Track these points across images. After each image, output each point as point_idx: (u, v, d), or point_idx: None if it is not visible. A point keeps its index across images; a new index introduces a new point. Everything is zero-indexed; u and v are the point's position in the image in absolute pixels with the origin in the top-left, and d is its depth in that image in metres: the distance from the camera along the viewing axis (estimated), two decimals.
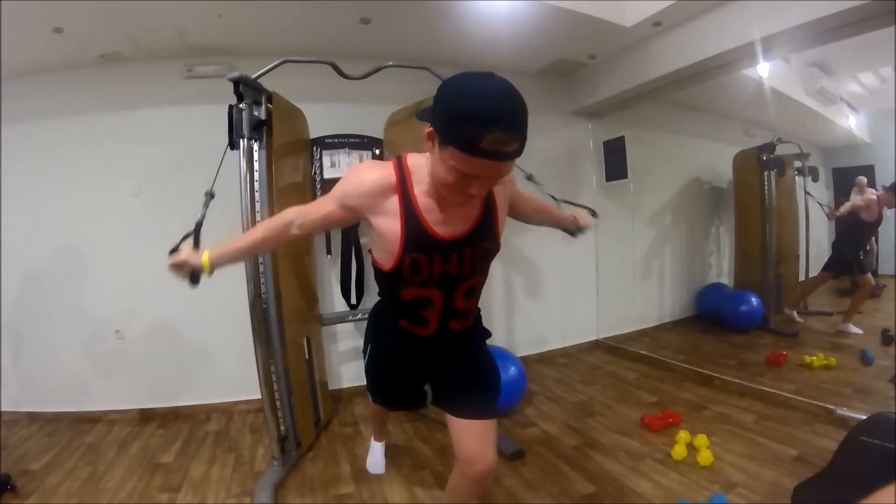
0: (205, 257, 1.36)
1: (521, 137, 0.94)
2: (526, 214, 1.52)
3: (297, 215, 1.28)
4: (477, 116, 0.90)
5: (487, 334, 1.54)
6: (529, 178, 2.36)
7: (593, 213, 1.76)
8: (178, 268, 1.40)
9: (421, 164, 1.17)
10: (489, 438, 1.36)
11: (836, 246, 4.08)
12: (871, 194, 3.75)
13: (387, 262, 1.22)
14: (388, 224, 1.16)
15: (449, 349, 1.41)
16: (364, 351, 1.57)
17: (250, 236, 1.38)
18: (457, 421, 1.37)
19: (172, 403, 3.20)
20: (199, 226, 1.81)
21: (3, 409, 3.09)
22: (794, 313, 4.27)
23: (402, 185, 1.16)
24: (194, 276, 1.42)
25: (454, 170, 0.98)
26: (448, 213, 1.17)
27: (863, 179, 3.84)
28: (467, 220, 1.20)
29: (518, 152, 0.96)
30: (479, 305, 1.47)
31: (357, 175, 1.20)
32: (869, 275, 3.80)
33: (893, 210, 3.64)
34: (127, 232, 3.13)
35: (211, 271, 1.37)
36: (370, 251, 3.22)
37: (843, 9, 2.31)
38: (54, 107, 3.05)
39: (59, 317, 3.13)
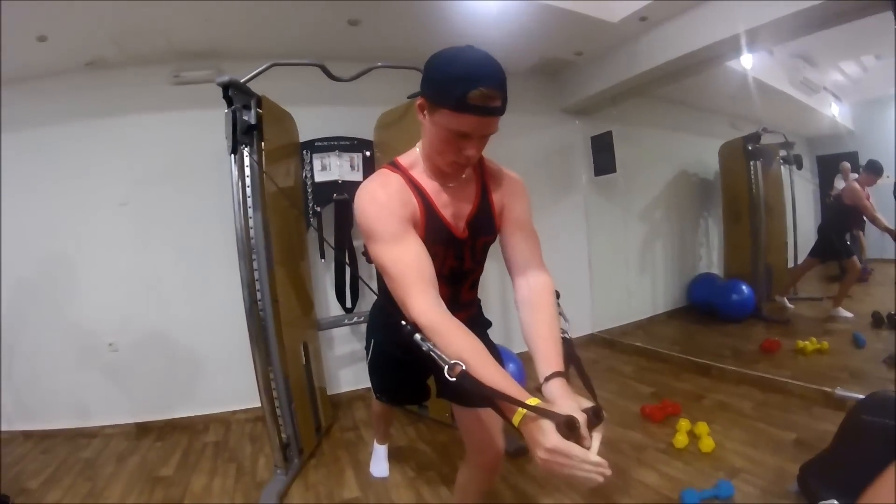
0: (533, 401, 0.85)
1: (504, 94, 1.01)
2: (510, 265, 1.25)
3: (409, 281, 1.01)
4: (464, 76, 0.97)
5: (489, 324, 1.53)
6: None
7: (597, 413, 0.91)
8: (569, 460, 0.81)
9: (413, 157, 1.19)
10: (497, 426, 1.35)
11: (821, 231, 4.14)
12: (853, 180, 3.82)
13: None
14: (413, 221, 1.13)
15: None
16: (367, 348, 1.55)
17: (461, 335, 0.96)
18: (465, 412, 1.37)
19: (169, 415, 3.15)
20: None
21: None
22: (785, 300, 4.32)
23: (409, 180, 1.15)
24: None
25: (447, 131, 1.03)
26: (450, 193, 1.18)
27: (846, 165, 3.91)
28: (468, 202, 1.21)
29: (501, 109, 1.02)
30: (479, 297, 1.48)
31: (379, 193, 1.09)
32: (855, 258, 3.86)
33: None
34: (118, 241, 3.09)
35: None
36: (363, 253, 3.15)
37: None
38: (41, 115, 2.99)
39: (51, 330, 3.07)
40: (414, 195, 1.14)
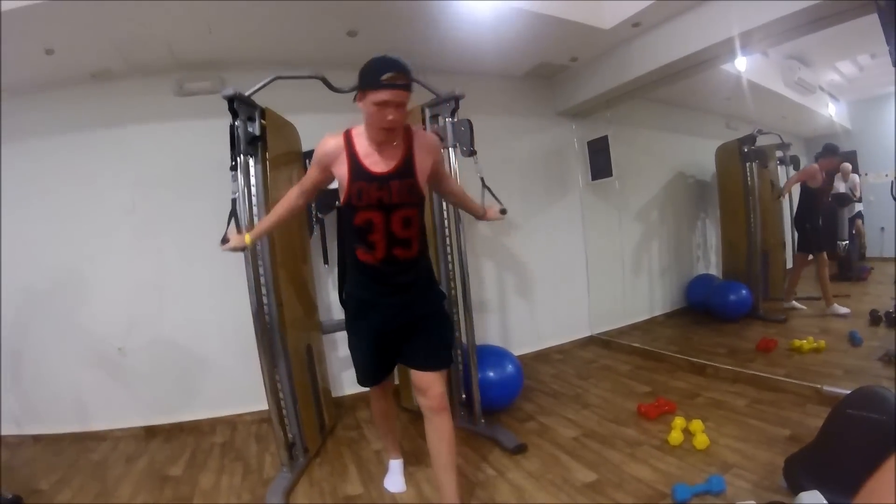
0: (247, 239, 1.95)
1: (407, 76, 1.54)
2: (444, 192, 2.15)
3: (298, 187, 1.91)
4: (378, 67, 1.51)
5: (441, 295, 1.98)
6: (472, 153, 2.55)
7: (503, 211, 2.29)
8: (232, 250, 1.96)
9: (360, 130, 1.72)
10: (439, 377, 1.84)
11: (797, 223, 4.20)
12: (813, 164, 3.94)
13: (343, 195, 1.72)
14: (341, 169, 1.70)
15: (405, 282, 1.80)
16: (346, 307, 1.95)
17: (275, 213, 1.96)
18: (417, 371, 1.84)
19: (176, 418, 3.22)
20: (234, 202, 2.15)
21: (6, 433, 3.08)
22: (794, 302, 4.31)
23: (348, 143, 1.70)
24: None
25: (372, 104, 1.55)
26: (381, 155, 1.70)
27: (847, 166, 3.94)
28: (393, 160, 1.71)
29: (408, 86, 1.56)
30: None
31: (322, 146, 1.73)
32: (824, 254, 3.93)
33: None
34: (124, 247, 3.17)
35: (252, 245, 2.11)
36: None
37: (820, 1, 2.38)
38: (48, 125, 3.07)
39: (59, 335, 3.14)
40: (345, 150, 1.70)
